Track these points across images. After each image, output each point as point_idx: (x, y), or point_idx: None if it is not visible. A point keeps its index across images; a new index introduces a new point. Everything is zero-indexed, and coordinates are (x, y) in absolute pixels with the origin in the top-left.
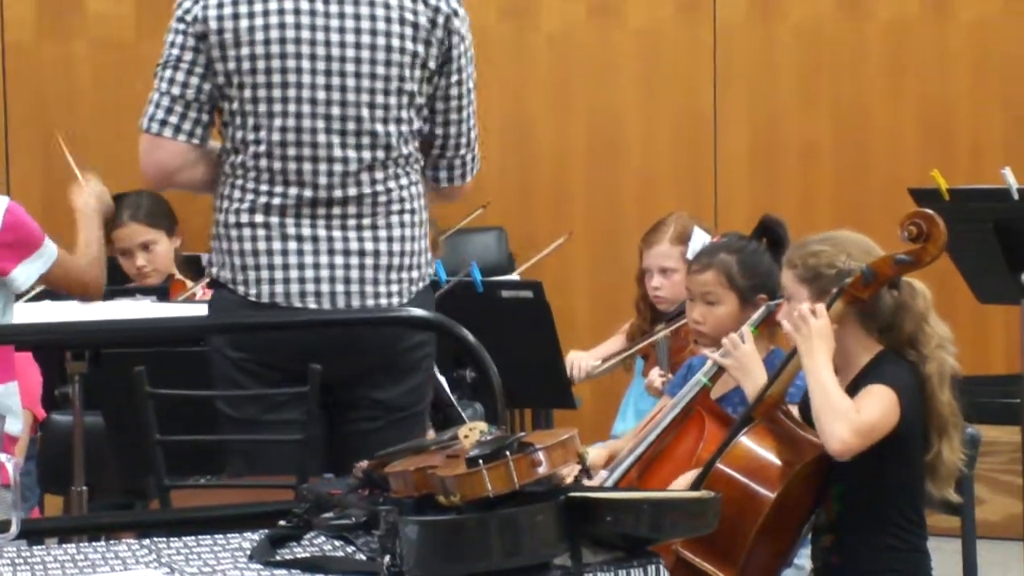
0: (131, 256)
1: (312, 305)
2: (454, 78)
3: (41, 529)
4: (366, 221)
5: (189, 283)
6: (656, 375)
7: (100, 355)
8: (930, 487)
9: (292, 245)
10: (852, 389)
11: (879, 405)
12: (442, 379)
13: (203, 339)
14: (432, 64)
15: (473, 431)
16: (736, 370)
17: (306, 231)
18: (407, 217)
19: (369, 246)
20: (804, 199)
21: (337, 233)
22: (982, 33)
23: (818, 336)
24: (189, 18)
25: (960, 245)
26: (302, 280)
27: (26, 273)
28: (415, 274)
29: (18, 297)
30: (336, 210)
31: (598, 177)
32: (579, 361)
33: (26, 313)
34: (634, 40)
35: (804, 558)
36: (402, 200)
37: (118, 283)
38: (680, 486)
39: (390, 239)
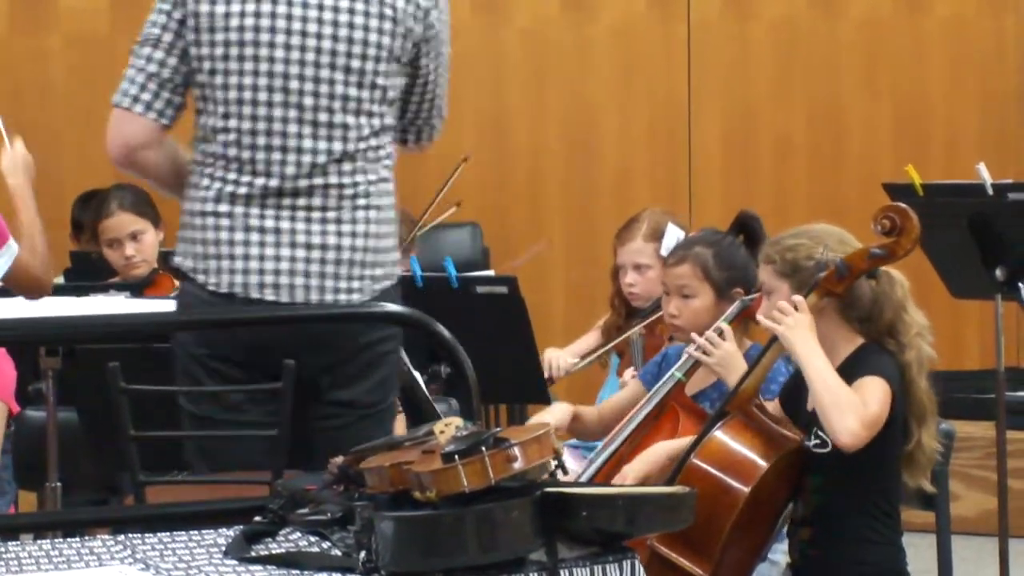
0: (119, 246)
1: (270, 297)
2: (430, 62)
3: (15, 525)
4: (330, 215)
5: (177, 282)
6: (629, 375)
7: (74, 351)
8: (906, 477)
9: (254, 236)
10: None
11: (879, 397)
12: (417, 375)
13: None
14: (405, 58)
15: (448, 427)
16: (720, 368)
17: (269, 223)
18: (372, 213)
19: (332, 240)
20: (779, 194)
21: (300, 225)
22: (957, 29)
23: (804, 327)
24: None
25: (934, 240)
26: (261, 271)
27: None
28: (379, 272)
29: None
30: (301, 201)
31: (573, 172)
32: (556, 360)
33: None
34: (608, 36)
35: (779, 553)
36: (368, 195)
37: (101, 277)
38: (634, 468)
39: (353, 234)
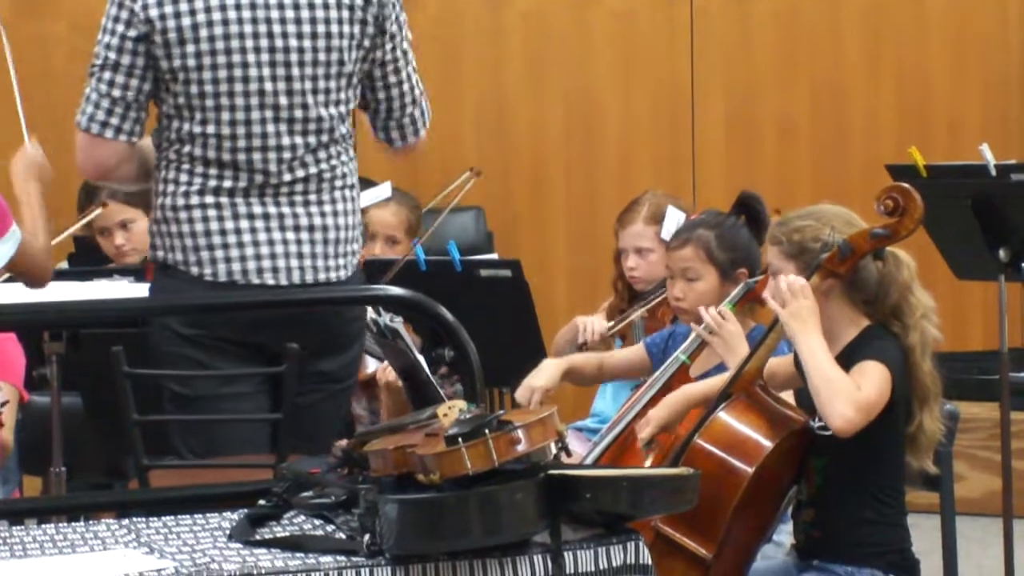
0: (110, 235)
1: (270, 281)
2: (388, 45)
3: (20, 510)
4: (312, 197)
5: None
6: None
7: (78, 336)
8: (909, 459)
9: (245, 224)
10: (839, 364)
11: (876, 382)
12: (420, 358)
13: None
14: (367, 43)
15: (452, 410)
16: (721, 347)
17: (257, 209)
18: (347, 192)
19: (318, 221)
20: (782, 177)
21: (287, 209)
22: (959, 10)
23: (809, 311)
24: (125, 17)
25: (938, 221)
26: (258, 257)
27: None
28: (355, 247)
29: None
30: (284, 189)
31: (576, 156)
32: (591, 324)
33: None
34: (611, 19)
35: (784, 534)
36: (344, 176)
37: (104, 262)
38: (657, 414)
39: (335, 213)
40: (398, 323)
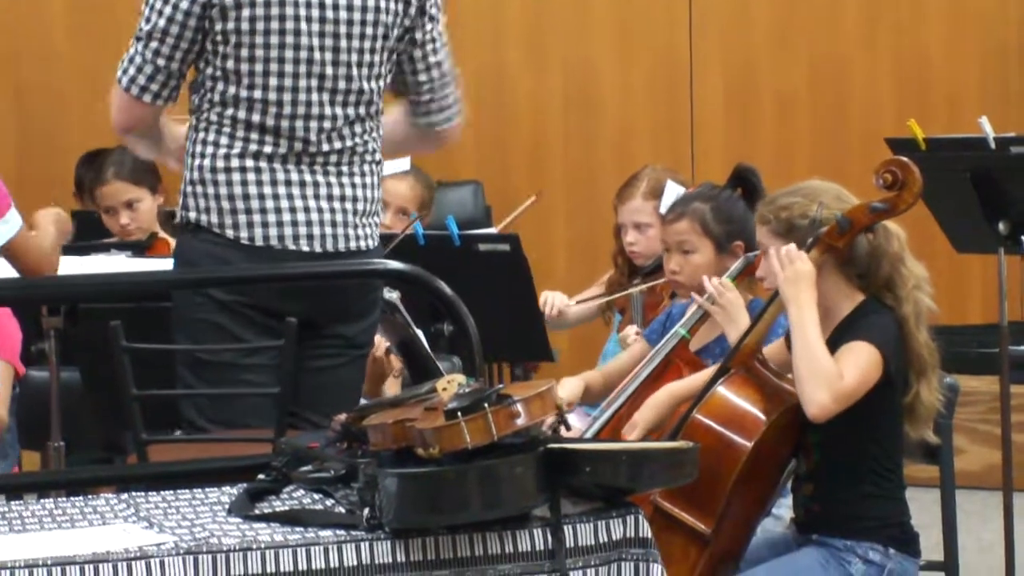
0: (115, 214)
1: (304, 248)
2: (428, 26)
3: (19, 484)
4: (344, 168)
5: (173, 241)
6: (631, 331)
7: (76, 310)
8: (908, 429)
9: (282, 189)
10: (834, 340)
11: (862, 367)
12: (419, 332)
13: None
14: (408, 21)
15: (451, 384)
16: (722, 317)
17: (295, 176)
18: (374, 167)
19: (349, 191)
20: (781, 149)
21: (321, 178)
22: None
23: (804, 275)
24: None
25: (937, 195)
26: (295, 223)
27: None
28: (377, 219)
29: None
30: (320, 158)
31: (575, 129)
32: (552, 298)
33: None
34: None
35: (783, 508)
36: (373, 151)
37: (103, 236)
38: (644, 416)
39: (364, 185)
40: (395, 297)
